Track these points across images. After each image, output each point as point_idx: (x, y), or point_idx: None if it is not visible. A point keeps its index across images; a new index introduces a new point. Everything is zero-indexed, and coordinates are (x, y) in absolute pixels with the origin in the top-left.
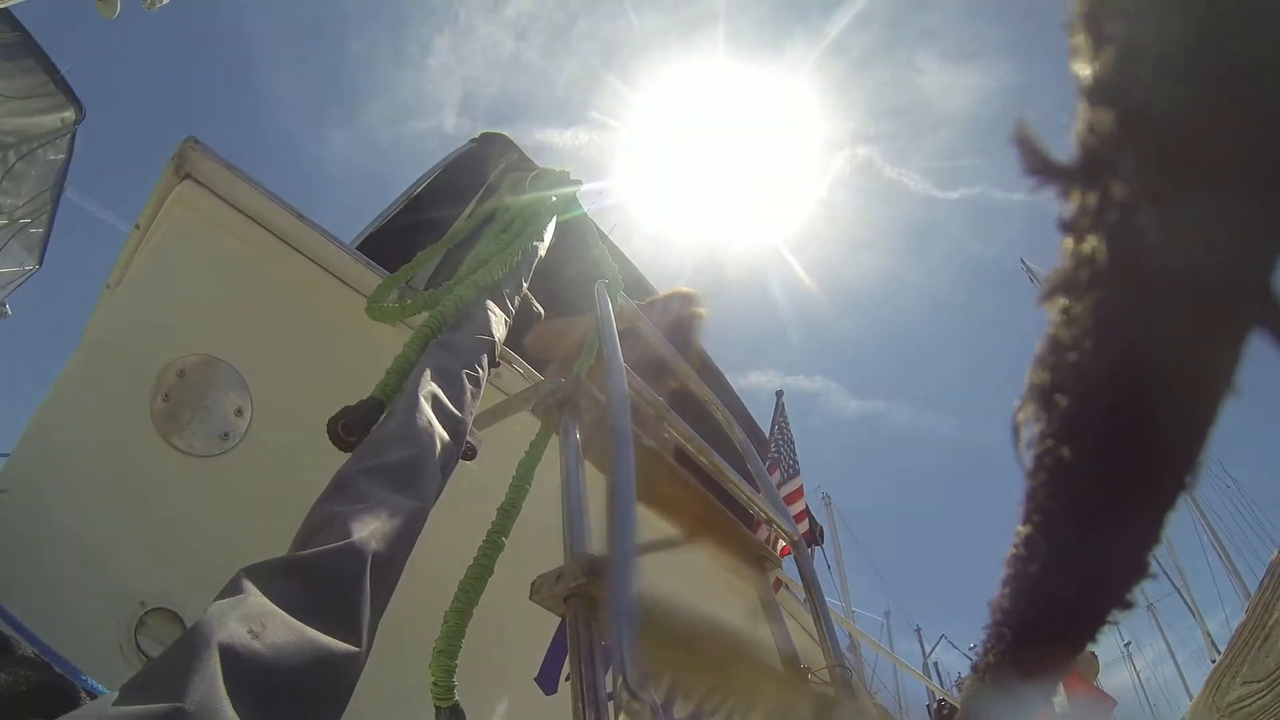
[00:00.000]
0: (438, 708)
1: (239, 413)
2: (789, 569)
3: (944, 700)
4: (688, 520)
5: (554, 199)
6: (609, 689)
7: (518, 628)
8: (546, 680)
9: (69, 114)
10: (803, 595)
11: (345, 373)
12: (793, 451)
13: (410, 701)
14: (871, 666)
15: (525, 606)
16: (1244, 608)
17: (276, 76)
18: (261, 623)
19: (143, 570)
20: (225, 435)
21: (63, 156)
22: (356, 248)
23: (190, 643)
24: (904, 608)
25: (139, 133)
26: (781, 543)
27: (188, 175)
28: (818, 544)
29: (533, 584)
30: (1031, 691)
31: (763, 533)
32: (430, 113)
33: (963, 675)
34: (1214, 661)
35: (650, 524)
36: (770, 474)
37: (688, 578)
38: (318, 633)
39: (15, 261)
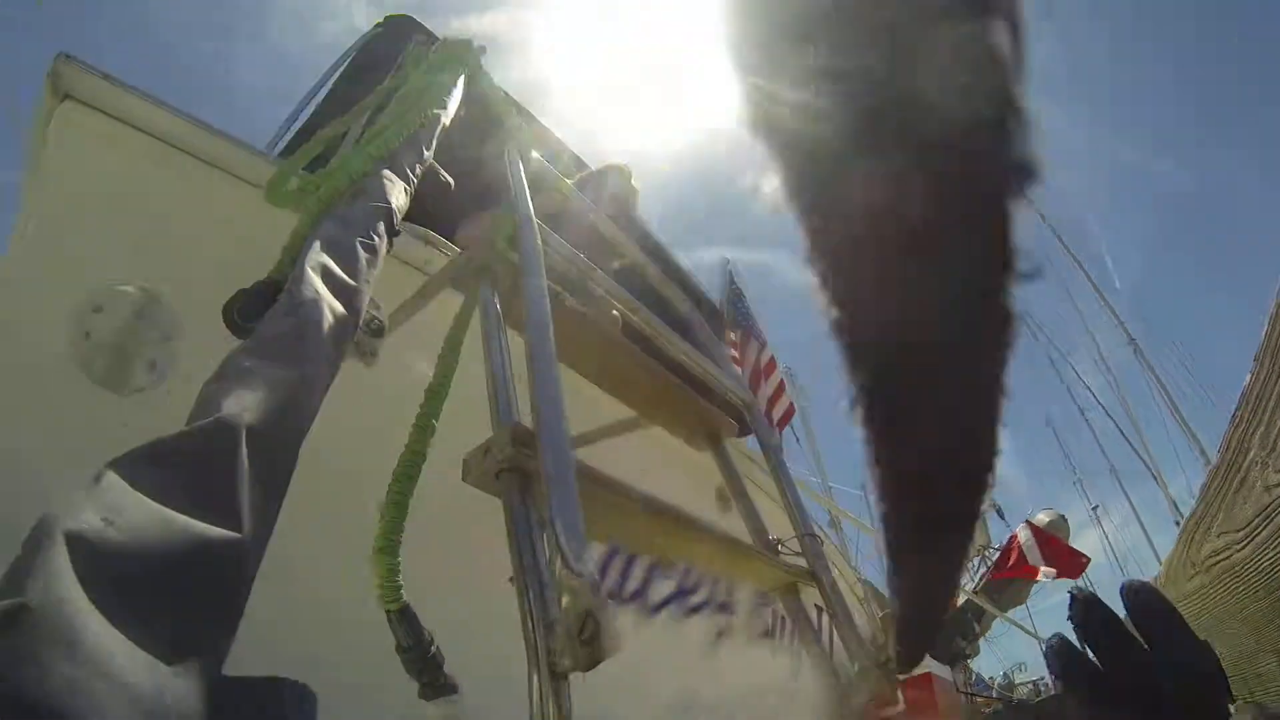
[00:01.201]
0: (388, 613)
1: (165, 338)
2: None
3: None
4: (632, 392)
5: (456, 64)
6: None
7: (481, 518)
8: None
9: None
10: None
11: (262, 272)
12: (756, 322)
13: (361, 609)
14: (854, 542)
15: (485, 495)
16: (1203, 470)
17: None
18: (117, 510)
19: None
20: (154, 364)
21: None
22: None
23: (34, 538)
24: None
25: (28, 87)
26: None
27: (67, 95)
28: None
29: (463, 464)
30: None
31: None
32: (339, 11)
33: None
34: (1178, 523)
35: (591, 396)
36: (745, 345)
37: (637, 451)
38: (187, 518)
39: None
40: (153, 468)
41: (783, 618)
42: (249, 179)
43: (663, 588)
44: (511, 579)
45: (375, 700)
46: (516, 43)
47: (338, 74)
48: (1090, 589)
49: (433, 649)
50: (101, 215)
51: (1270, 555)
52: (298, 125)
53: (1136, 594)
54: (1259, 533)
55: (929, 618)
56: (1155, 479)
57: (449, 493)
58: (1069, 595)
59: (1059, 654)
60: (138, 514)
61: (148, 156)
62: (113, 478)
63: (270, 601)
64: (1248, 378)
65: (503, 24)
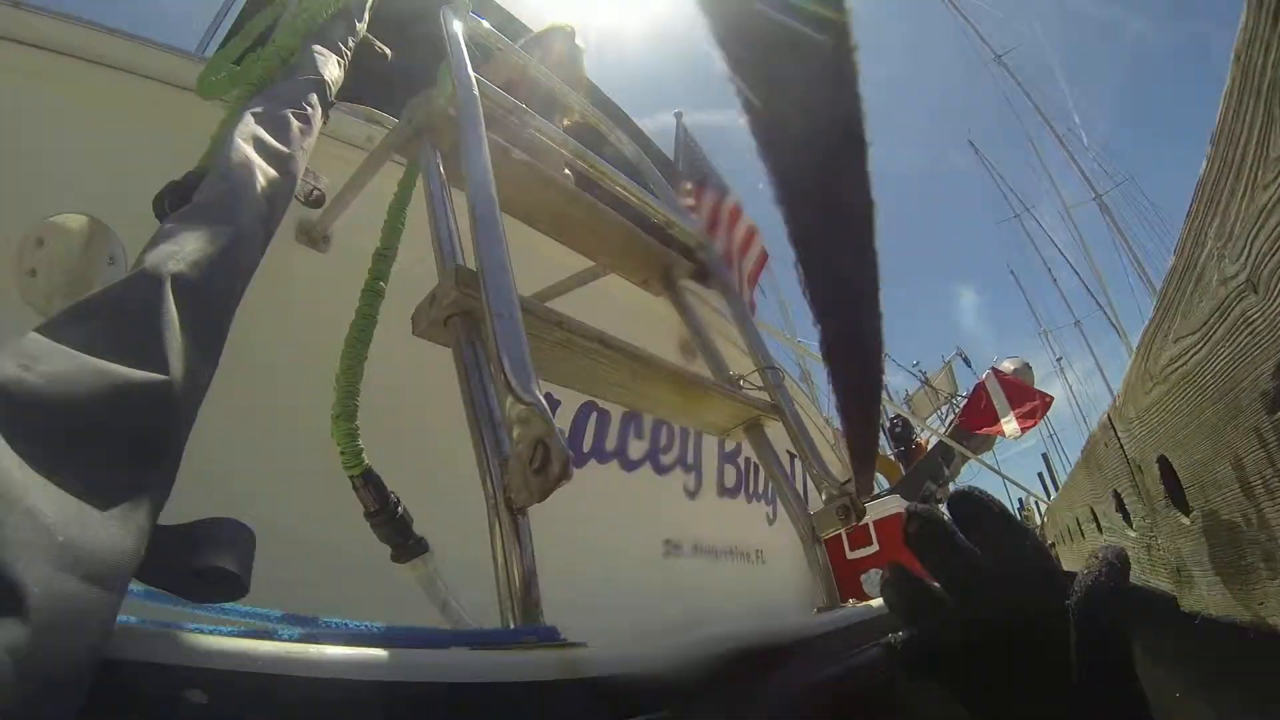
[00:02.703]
0: (352, 479)
1: (112, 260)
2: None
3: (898, 416)
4: (584, 238)
5: None
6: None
7: (432, 378)
8: None
9: None
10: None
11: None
12: (714, 170)
13: (330, 483)
14: (826, 393)
15: (442, 358)
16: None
17: None
18: (35, 358)
19: None
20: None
21: None
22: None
23: None
24: None
25: None
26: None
27: None
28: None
29: (411, 320)
30: None
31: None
32: None
33: (909, 392)
34: (1152, 311)
35: (544, 250)
36: (701, 193)
37: (596, 303)
38: (107, 363)
39: None
40: (75, 324)
41: (754, 464)
42: (181, 84)
43: (636, 446)
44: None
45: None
46: None
47: None
48: (1052, 434)
49: (399, 510)
50: (29, 146)
51: (1226, 353)
52: (226, 24)
53: (959, 504)
54: (1215, 330)
55: (869, 433)
56: (1116, 330)
57: (407, 359)
58: (904, 513)
59: (899, 590)
60: (58, 362)
61: (67, 77)
62: (34, 335)
63: (244, 471)
64: (1203, 165)
65: None
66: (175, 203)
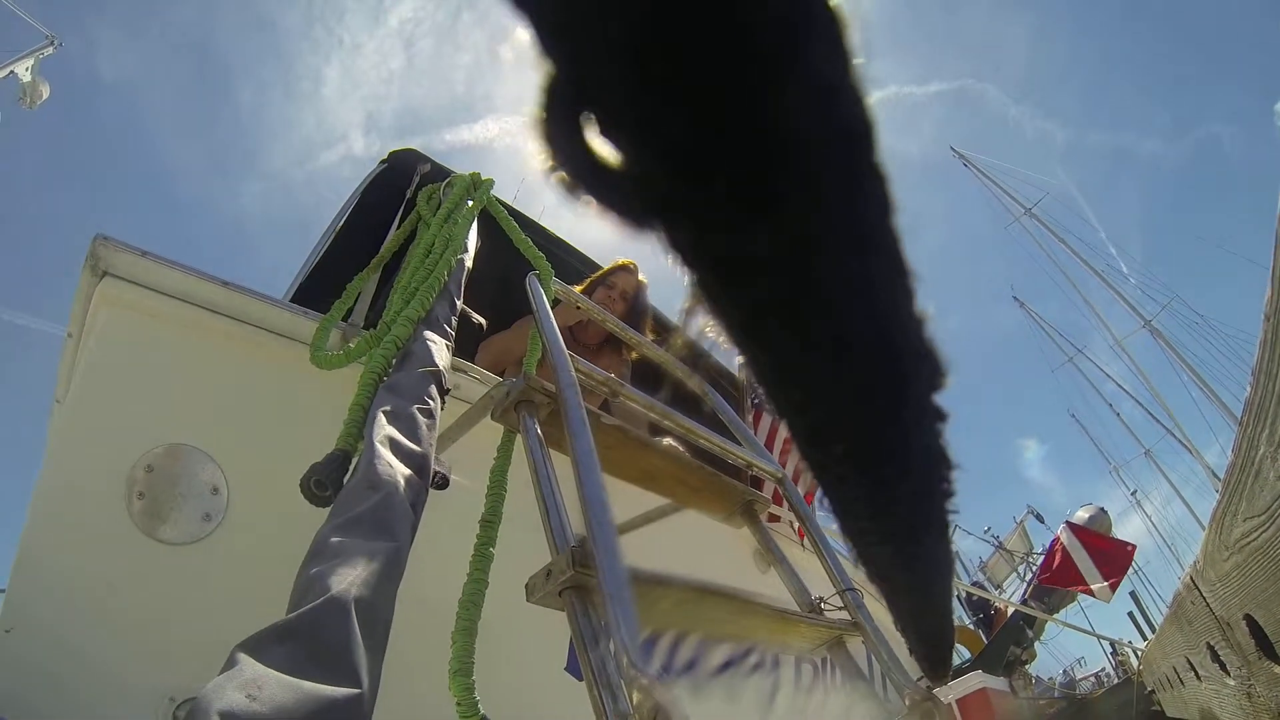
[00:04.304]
0: None
1: (215, 491)
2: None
3: (969, 592)
4: (670, 485)
5: (469, 204)
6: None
7: (536, 628)
8: (576, 668)
9: None
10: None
11: (307, 423)
12: None
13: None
14: None
15: (536, 606)
16: (1234, 435)
17: (175, 143)
18: (258, 685)
19: (164, 668)
20: (207, 516)
21: None
22: (291, 297)
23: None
24: None
25: (51, 234)
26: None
27: (105, 273)
28: None
29: (526, 587)
30: None
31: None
32: (337, 141)
33: (984, 559)
34: (1219, 492)
35: (633, 498)
36: (758, 419)
37: (682, 540)
38: (315, 684)
39: None
40: (279, 645)
41: (832, 664)
42: (279, 332)
43: (717, 655)
44: (566, 669)
45: None
46: (514, 147)
47: (349, 213)
48: (1138, 570)
49: None
50: (145, 379)
51: None
52: (310, 266)
53: None
54: (1278, 516)
55: (931, 623)
56: (1189, 451)
57: (517, 607)
58: None
59: None
60: (276, 689)
61: (183, 320)
62: (245, 658)
63: None
64: (1248, 391)
65: (494, 132)
66: (323, 484)
